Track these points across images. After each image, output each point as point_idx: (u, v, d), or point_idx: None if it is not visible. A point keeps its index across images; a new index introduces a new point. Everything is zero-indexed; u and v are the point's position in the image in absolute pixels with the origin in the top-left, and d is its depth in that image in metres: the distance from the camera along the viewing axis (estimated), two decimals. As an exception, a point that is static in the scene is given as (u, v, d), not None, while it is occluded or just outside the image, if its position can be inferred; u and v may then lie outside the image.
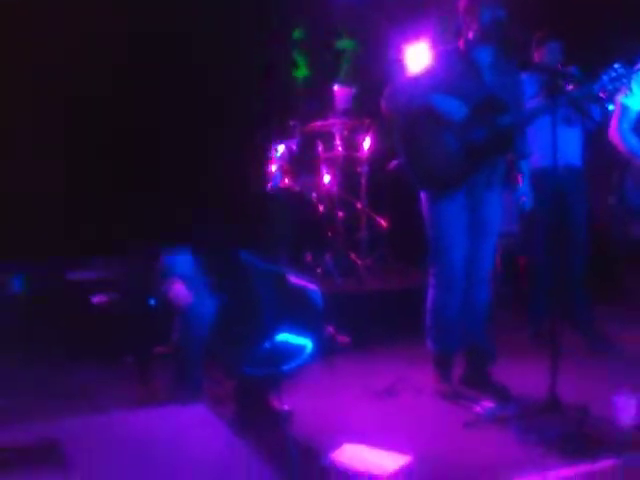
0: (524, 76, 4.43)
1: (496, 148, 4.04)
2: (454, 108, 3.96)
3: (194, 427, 2.45)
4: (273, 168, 5.95)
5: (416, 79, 4.20)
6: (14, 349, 4.52)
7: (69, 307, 5.27)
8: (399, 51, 6.93)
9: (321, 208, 6.08)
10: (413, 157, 4.10)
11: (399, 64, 6.83)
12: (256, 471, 2.22)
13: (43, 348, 4.69)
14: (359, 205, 6.24)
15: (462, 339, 4.25)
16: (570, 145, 5.00)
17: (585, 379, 4.29)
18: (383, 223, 6.24)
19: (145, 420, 2.61)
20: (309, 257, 5.86)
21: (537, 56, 4.96)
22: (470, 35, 4.07)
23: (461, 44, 4.14)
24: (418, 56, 6.71)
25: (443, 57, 4.17)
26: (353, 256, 6.01)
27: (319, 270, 5.75)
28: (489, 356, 4.28)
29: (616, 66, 3.68)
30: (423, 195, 4.17)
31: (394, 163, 6.10)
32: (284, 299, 3.83)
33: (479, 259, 4.18)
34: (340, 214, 6.13)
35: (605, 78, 3.67)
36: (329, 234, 6.03)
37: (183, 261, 3.94)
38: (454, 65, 4.09)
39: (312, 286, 4.38)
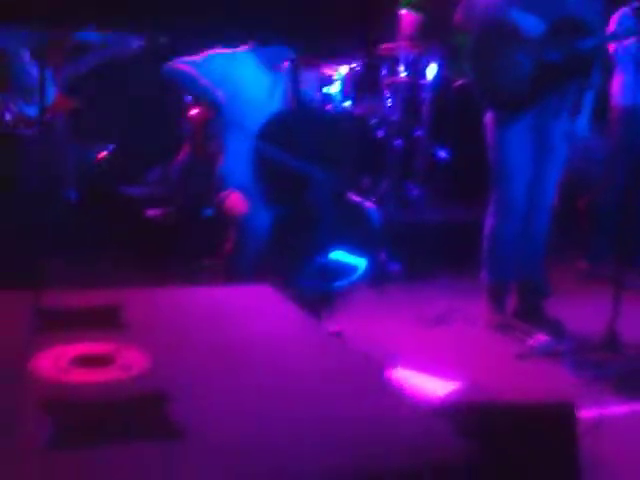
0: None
1: (571, 73, 3.88)
2: (531, 24, 3.81)
3: (262, 303, 2.40)
4: (334, 89, 5.81)
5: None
6: (65, 255, 4.51)
7: (123, 219, 5.28)
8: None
9: (380, 133, 5.94)
10: (483, 74, 3.95)
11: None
12: (327, 345, 2.16)
13: (93, 257, 4.69)
14: (419, 133, 6.08)
15: (517, 270, 4.15)
16: None
17: None
18: (443, 154, 6.09)
19: (211, 295, 2.56)
20: (366, 182, 5.73)
21: None
22: None
23: None
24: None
25: None
26: (410, 185, 5.88)
27: (375, 196, 5.63)
28: (544, 290, 4.17)
29: None
30: (489, 116, 4.03)
31: (459, 83, 5.92)
32: (342, 215, 3.74)
33: (542, 187, 4.06)
34: (399, 141, 5.98)
35: None
36: (387, 161, 5.88)
37: (240, 171, 3.88)
38: None
39: (371, 205, 4.30)
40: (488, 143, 4.05)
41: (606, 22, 4.04)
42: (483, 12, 3.86)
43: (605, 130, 5.08)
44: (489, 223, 4.15)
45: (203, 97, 4.03)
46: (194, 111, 5.02)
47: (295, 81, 4.10)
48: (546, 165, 4.03)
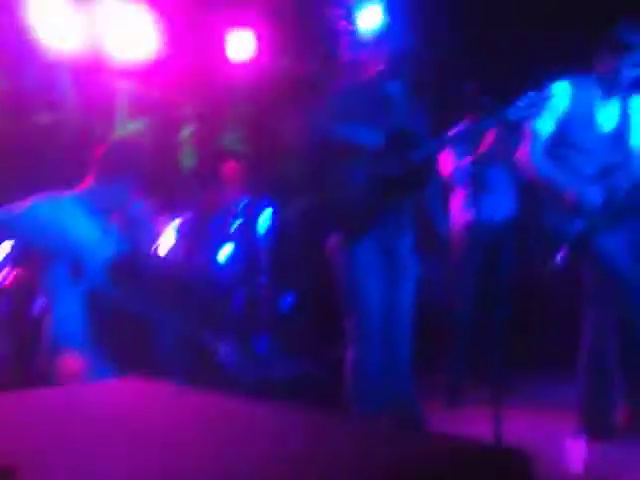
0: None
1: (408, 184, 3.78)
2: (367, 137, 3.70)
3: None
4: (169, 240, 5.49)
5: (322, 111, 3.93)
6: None
7: None
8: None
9: (219, 286, 5.63)
10: (323, 195, 3.82)
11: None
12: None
13: None
14: (262, 280, 5.81)
15: (387, 402, 3.85)
16: (507, 195, 4.97)
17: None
18: (288, 299, 5.83)
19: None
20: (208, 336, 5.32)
21: None
22: (381, 66, 3.90)
23: (372, 74, 3.95)
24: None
25: (351, 88, 3.99)
26: (257, 337, 5.53)
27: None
28: (419, 420, 3.88)
29: (529, 94, 3.62)
30: (333, 241, 3.84)
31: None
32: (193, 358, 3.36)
33: (398, 311, 3.84)
34: (241, 292, 5.68)
35: (520, 105, 3.61)
36: (229, 314, 5.54)
37: (74, 329, 3.42)
38: (363, 96, 3.86)
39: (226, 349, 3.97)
40: (336, 270, 3.85)
41: (431, 132, 4.01)
42: (307, 134, 3.78)
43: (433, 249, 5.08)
44: (349, 357, 3.85)
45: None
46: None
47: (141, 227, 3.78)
48: (399, 287, 3.86)
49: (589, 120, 3.83)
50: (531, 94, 3.62)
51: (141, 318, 3.18)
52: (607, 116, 3.87)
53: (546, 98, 3.66)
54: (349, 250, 3.78)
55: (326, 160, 3.75)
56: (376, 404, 3.77)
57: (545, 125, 3.81)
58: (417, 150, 3.77)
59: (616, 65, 3.73)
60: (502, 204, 5.06)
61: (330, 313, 5.45)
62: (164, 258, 5.26)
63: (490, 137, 4.81)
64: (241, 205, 5.91)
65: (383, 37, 4.02)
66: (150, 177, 3.64)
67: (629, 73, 3.72)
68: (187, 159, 6.53)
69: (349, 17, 6.13)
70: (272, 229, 5.87)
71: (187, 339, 3.54)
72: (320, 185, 3.83)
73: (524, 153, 3.87)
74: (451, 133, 4.21)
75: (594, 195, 3.75)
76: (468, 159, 4.79)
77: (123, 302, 3.18)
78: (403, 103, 3.90)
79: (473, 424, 3.71)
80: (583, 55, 3.86)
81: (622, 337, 3.65)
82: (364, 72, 4.05)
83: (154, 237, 5.04)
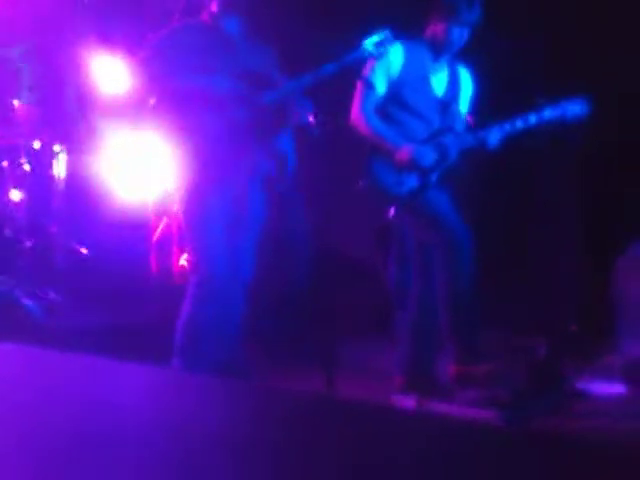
0: None
1: (262, 128, 3.61)
2: (215, 84, 3.52)
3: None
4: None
5: (160, 61, 3.64)
6: None
7: None
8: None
9: (7, 232, 5.10)
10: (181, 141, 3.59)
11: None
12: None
13: None
14: (53, 230, 5.34)
15: (215, 356, 3.66)
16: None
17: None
18: (84, 250, 5.40)
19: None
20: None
21: None
22: (214, 7, 3.71)
23: (205, 17, 3.75)
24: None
25: (185, 32, 3.71)
26: (49, 288, 5.07)
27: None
28: (246, 371, 3.73)
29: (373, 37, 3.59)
30: (187, 190, 3.63)
31: None
32: None
33: (238, 259, 3.66)
34: (29, 242, 5.18)
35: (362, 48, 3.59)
36: (18, 264, 5.04)
37: None
38: (201, 40, 3.65)
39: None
40: (184, 220, 3.63)
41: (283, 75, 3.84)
42: (163, 80, 3.56)
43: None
44: (185, 311, 3.65)
45: None
46: None
47: None
48: (241, 234, 3.68)
49: (423, 83, 3.82)
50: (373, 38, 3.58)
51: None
52: (438, 81, 3.89)
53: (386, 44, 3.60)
54: (201, 196, 3.60)
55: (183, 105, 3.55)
56: (204, 354, 3.57)
57: (378, 84, 3.75)
58: (268, 92, 3.61)
59: (443, 28, 3.74)
60: None
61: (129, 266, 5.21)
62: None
63: None
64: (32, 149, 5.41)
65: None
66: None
67: (461, 37, 3.75)
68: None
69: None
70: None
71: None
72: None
73: (356, 108, 3.78)
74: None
75: (426, 154, 3.74)
76: None
77: None
78: (246, 44, 3.74)
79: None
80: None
81: (448, 289, 3.67)
82: (198, 14, 3.82)
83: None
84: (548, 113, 3.79)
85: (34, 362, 2.10)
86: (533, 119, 3.77)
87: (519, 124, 3.76)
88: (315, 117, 4.50)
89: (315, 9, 5.20)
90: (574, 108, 3.82)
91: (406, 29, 3.78)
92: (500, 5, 4.08)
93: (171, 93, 3.58)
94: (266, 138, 3.69)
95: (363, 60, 3.63)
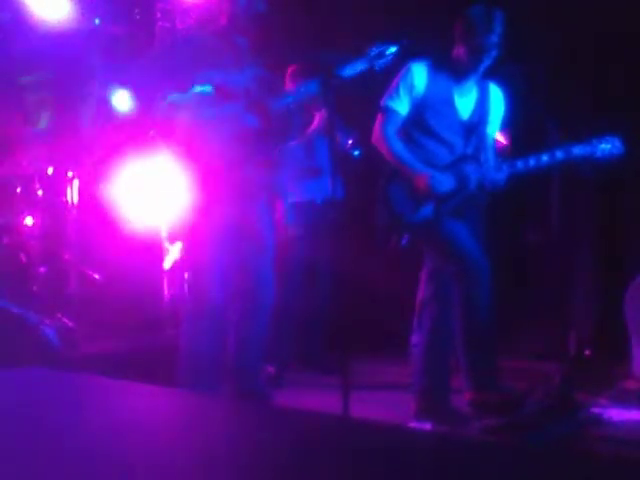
0: None
1: (268, 135, 3.65)
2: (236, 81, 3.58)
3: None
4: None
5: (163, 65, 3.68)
6: None
7: None
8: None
9: (22, 257, 5.11)
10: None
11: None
12: None
13: None
14: (66, 256, 5.35)
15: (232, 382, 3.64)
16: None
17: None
18: (96, 276, 5.41)
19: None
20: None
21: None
22: (223, 20, 3.75)
23: (215, 29, 3.79)
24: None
25: (195, 40, 3.81)
26: (64, 318, 5.07)
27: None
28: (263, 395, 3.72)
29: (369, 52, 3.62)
30: (191, 207, 3.61)
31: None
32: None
33: (254, 280, 3.65)
34: (43, 268, 5.19)
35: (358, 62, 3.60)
36: (34, 290, 5.05)
37: None
38: (211, 46, 3.70)
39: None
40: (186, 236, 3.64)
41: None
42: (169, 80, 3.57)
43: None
44: (182, 344, 3.66)
45: None
46: None
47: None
48: (253, 254, 3.66)
49: (446, 106, 3.79)
50: (370, 52, 3.60)
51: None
52: (464, 104, 3.84)
53: (381, 58, 3.62)
54: (201, 214, 3.59)
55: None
56: (208, 385, 3.55)
57: (402, 105, 3.74)
58: (277, 100, 3.64)
59: (465, 50, 3.72)
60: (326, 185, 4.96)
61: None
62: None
63: (318, 117, 4.73)
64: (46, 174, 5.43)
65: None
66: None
67: (483, 59, 3.71)
68: None
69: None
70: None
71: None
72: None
73: (377, 130, 3.78)
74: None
75: (444, 181, 3.71)
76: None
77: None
78: (253, 60, 3.77)
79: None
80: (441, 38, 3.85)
81: (465, 322, 3.64)
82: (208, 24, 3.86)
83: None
84: (577, 150, 3.72)
85: (59, 385, 2.12)
86: (560, 155, 3.71)
87: (544, 159, 3.70)
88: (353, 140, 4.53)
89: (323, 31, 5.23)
90: (606, 147, 3.74)
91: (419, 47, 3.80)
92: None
93: (173, 101, 3.57)
94: (272, 147, 3.70)
95: (367, 70, 3.62)
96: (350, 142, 4.89)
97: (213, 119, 3.50)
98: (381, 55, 3.57)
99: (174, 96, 3.52)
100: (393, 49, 3.60)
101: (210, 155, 3.50)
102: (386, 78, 3.77)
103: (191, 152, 3.49)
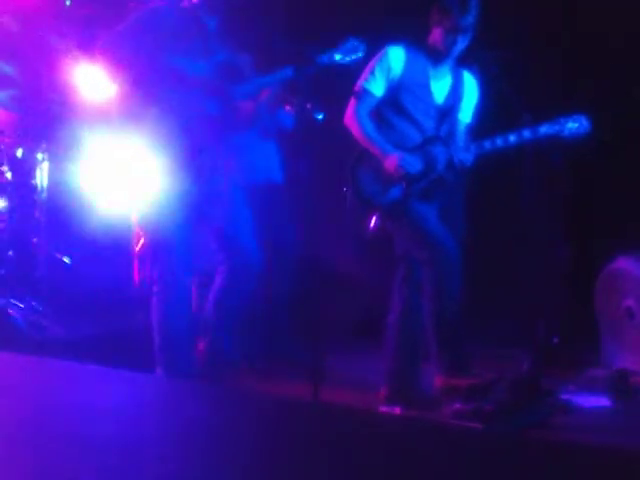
0: None
1: (227, 120, 3.65)
2: (198, 67, 3.57)
3: None
4: None
5: (130, 41, 3.64)
6: None
7: None
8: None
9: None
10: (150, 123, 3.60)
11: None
12: None
13: None
14: (35, 240, 5.29)
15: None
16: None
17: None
18: (66, 259, 5.36)
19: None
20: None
21: None
22: None
23: (184, 3, 3.74)
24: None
25: (161, 13, 3.72)
26: (32, 302, 5.02)
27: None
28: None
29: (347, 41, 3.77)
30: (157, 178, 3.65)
31: None
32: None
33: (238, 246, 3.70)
34: (11, 252, 5.13)
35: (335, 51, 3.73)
36: (2, 273, 4.98)
37: None
38: (176, 22, 3.67)
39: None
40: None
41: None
42: (134, 55, 3.53)
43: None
44: (154, 321, 3.67)
45: None
46: None
47: None
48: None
49: (422, 89, 3.81)
50: (348, 42, 3.70)
51: None
52: (439, 88, 3.86)
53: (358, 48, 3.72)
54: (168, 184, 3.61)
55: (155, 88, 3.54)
56: (186, 365, 3.55)
57: (377, 87, 3.75)
58: (239, 86, 3.65)
59: (440, 33, 3.73)
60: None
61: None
62: None
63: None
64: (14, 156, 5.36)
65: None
66: None
67: (458, 40, 3.71)
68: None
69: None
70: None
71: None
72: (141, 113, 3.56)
73: (350, 111, 3.79)
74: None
75: (413, 162, 3.72)
76: None
77: None
78: (220, 39, 3.75)
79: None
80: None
81: (434, 306, 3.65)
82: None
83: None
84: (544, 129, 3.74)
85: (27, 370, 2.10)
86: (527, 134, 3.73)
87: (512, 139, 3.72)
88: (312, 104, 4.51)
89: (299, 19, 5.20)
90: (573, 125, 3.77)
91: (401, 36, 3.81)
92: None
93: (137, 75, 3.56)
94: (233, 132, 3.70)
95: (333, 64, 3.72)
96: (309, 106, 4.84)
97: (162, 102, 3.49)
98: (355, 49, 3.61)
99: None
100: (363, 48, 3.75)
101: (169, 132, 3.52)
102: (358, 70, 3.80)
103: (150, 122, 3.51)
